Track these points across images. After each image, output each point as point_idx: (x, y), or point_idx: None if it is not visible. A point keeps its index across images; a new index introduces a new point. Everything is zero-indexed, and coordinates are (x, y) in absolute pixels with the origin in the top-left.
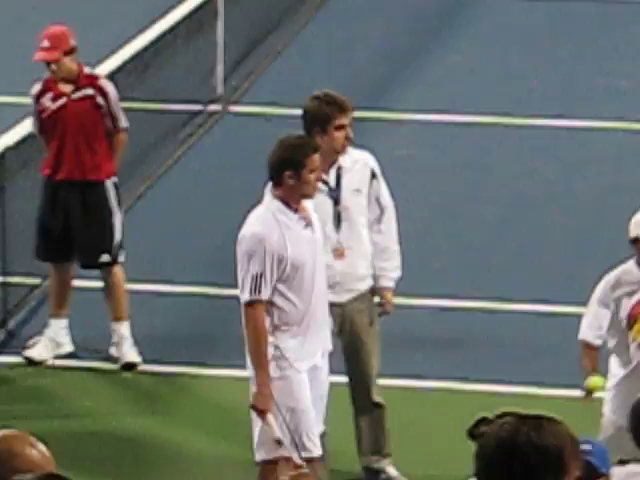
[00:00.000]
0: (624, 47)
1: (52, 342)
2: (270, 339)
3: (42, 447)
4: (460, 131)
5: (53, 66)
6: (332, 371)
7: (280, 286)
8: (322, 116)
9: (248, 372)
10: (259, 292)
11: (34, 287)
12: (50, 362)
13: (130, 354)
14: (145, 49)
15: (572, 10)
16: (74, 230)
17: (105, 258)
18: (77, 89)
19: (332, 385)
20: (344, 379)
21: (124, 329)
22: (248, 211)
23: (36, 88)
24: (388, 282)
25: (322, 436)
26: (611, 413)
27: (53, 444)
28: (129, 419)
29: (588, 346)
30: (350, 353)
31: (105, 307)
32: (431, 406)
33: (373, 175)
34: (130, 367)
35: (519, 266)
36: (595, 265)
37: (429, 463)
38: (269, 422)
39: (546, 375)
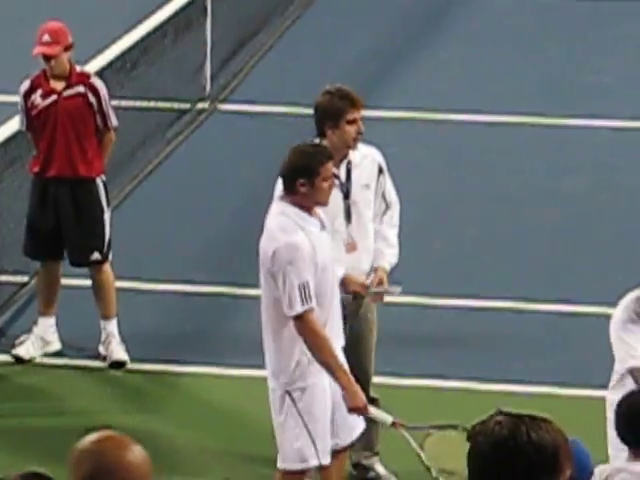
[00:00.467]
0: (611, 44)
1: (40, 340)
2: (298, 346)
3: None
4: (449, 129)
5: (52, 61)
6: None
7: None
8: (334, 110)
9: (270, 383)
10: (309, 301)
11: (22, 285)
12: (37, 360)
13: (118, 352)
14: (133, 47)
15: (560, 7)
16: (65, 228)
17: (96, 256)
18: (68, 86)
19: None
20: None
21: (112, 327)
22: (236, 209)
23: (25, 85)
24: (383, 262)
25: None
26: None
27: (41, 442)
28: (117, 417)
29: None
30: (351, 348)
31: (93, 305)
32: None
33: (380, 170)
34: (118, 365)
35: (506, 264)
36: (581, 262)
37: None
38: (374, 414)
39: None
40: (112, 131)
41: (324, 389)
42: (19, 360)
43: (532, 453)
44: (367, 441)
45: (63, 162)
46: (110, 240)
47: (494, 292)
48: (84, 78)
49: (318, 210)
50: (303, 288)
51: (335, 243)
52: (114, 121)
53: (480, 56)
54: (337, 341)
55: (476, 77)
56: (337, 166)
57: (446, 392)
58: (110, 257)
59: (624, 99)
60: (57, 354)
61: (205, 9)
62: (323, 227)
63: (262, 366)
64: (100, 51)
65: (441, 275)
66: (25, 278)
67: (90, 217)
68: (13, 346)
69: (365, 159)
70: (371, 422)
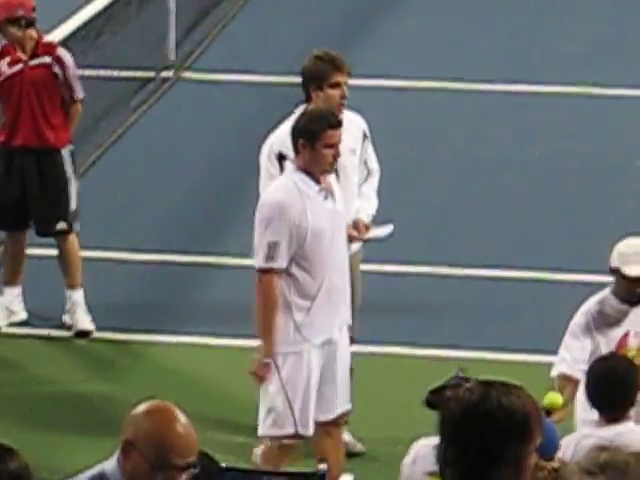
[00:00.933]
0: (576, 10)
1: (6, 310)
2: (286, 312)
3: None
4: (413, 96)
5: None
6: None
7: (298, 257)
8: (318, 74)
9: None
10: (273, 260)
11: None
12: (3, 330)
13: (83, 321)
14: (97, 16)
15: None
16: (30, 197)
17: (61, 226)
18: (34, 56)
19: None
20: None
21: (78, 296)
22: (201, 177)
23: None
24: (363, 215)
25: (345, 415)
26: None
27: (6, 411)
28: (83, 386)
29: (568, 379)
30: None
31: (58, 275)
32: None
33: (365, 136)
34: (84, 334)
35: (472, 232)
36: (544, 229)
37: (384, 428)
38: (267, 391)
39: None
40: (79, 103)
41: (309, 360)
42: None
43: (502, 418)
44: None
45: (29, 131)
46: (77, 210)
47: (461, 260)
48: (51, 49)
49: (330, 182)
50: (272, 246)
51: None
52: (80, 93)
53: (444, 24)
54: (335, 311)
55: (440, 45)
56: None
57: (417, 359)
58: (76, 227)
59: (589, 66)
60: (22, 324)
61: None
62: (327, 197)
63: (227, 335)
64: (64, 20)
65: (408, 243)
66: None
67: (55, 187)
68: None
69: (352, 124)
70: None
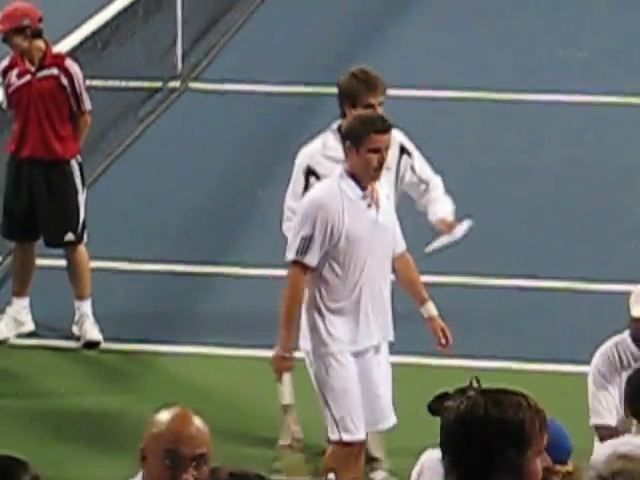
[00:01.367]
0: (584, 18)
1: (14, 321)
2: (316, 315)
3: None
4: (422, 105)
5: (7, 43)
6: None
7: (330, 258)
8: (351, 93)
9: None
10: (304, 254)
11: None
12: (11, 341)
13: (92, 332)
14: (104, 26)
15: None
16: (38, 208)
17: (70, 237)
18: (42, 68)
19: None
20: None
21: (86, 307)
22: (209, 188)
23: (4, 62)
24: (442, 214)
25: (389, 430)
26: None
27: (15, 423)
28: (92, 397)
29: (607, 429)
30: None
31: (67, 285)
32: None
33: (402, 150)
34: (92, 345)
35: (477, 240)
36: (551, 237)
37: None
38: (283, 385)
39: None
40: (87, 114)
41: (345, 363)
42: None
43: (489, 427)
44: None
45: (36, 142)
46: (85, 221)
47: (465, 267)
48: (59, 60)
49: (377, 191)
50: (305, 240)
51: None
52: (88, 105)
53: (451, 32)
54: (372, 323)
55: (447, 53)
56: None
57: (405, 368)
58: (85, 238)
59: (596, 73)
60: (30, 335)
61: None
62: (371, 205)
63: (237, 344)
64: (71, 31)
65: (413, 251)
66: None
67: (64, 198)
68: None
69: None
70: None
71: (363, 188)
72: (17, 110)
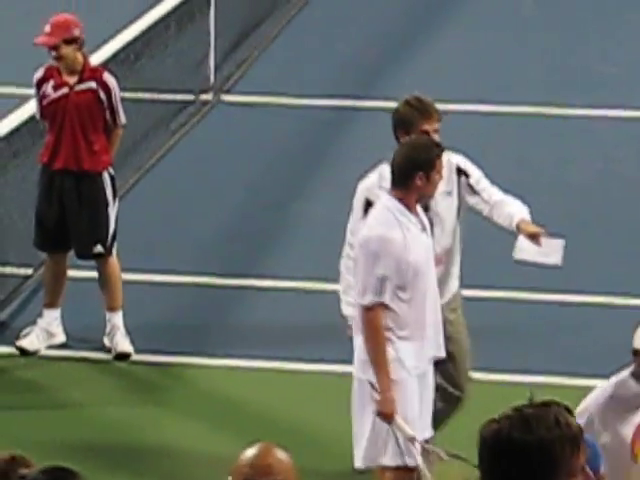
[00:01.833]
0: (615, 33)
1: (45, 332)
2: (390, 343)
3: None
4: (451, 119)
5: (54, 53)
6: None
7: (397, 289)
8: (406, 120)
9: (356, 370)
10: (383, 294)
11: (27, 277)
12: (42, 352)
13: (123, 344)
14: (137, 39)
15: None
16: (69, 219)
17: (99, 249)
18: (80, 81)
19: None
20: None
21: (117, 319)
22: (240, 201)
23: (38, 74)
24: (521, 215)
25: (427, 441)
26: None
27: (45, 434)
28: (122, 409)
29: None
30: (448, 353)
31: (98, 297)
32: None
33: (460, 171)
34: (123, 357)
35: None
36: (585, 252)
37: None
38: (399, 424)
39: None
40: (120, 128)
41: (409, 389)
42: (23, 352)
43: (517, 451)
44: None
45: (69, 155)
46: (115, 233)
47: (499, 282)
48: (97, 74)
49: (419, 210)
50: (381, 281)
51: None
52: (122, 119)
53: (482, 45)
54: (430, 350)
55: (478, 67)
56: None
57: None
58: (114, 251)
59: (627, 88)
60: (62, 346)
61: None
62: (424, 228)
63: (267, 357)
64: (104, 43)
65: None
66: (30, 270)
67: (94, 210)
68: (18, 338)
69: (446, 166)
70: None
71: (412, 212)
72: (52, 122)
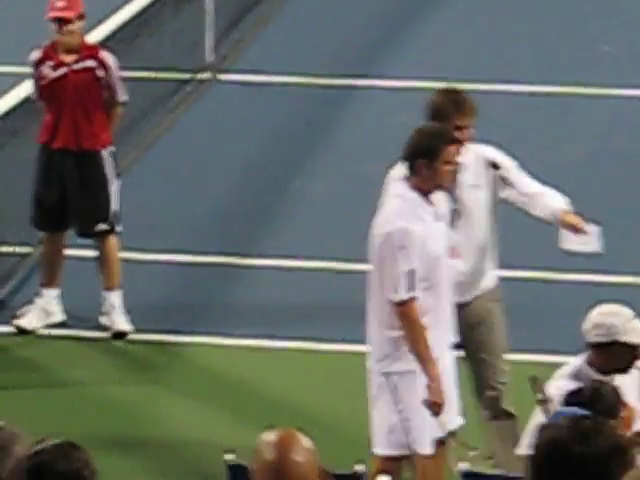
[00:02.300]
0: (609, 12)
1: (43, 311)
2: (400, 332)
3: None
4: None
5: (66, 27)
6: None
7: (419, 279)
8: (443, 113)
9: (369, 363)
10: (413, 289)
11: (25, 256)
12: (40, 331)
13: (120, 322)
14: (134, 17)
15: None
16: (70, 198)
17: (102, 227)
18: (79, 60)
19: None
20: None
21: (115, 298)
22: (238, 179)
23: (35, 55)
24: (561, 205)
25: (453, 433)
26: None
27: (44, 413)
28: (120, 387)
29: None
30: (478, 349)
31: (96, 276)
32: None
33: (489, 164)
34: (121, 336)
35: (513, 233)
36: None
37: None
38: (441, 418)
39: None
40: (120, 106)
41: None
42: (22, 331)
43: (577, 463)
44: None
45: (69, 134)
46: (117, 211)
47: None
48: (94, 52)
49: (437, 199)
50: (411, 275)
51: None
52: (122, 96)
53: (481, 25)
54: (446, 335)
55: (472, 47)
56: None
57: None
58: (119, 228)
59: (621, 67)
60: (60, 325)
61: None
62: (438, 217)
63: (265, 336)
64: (101, 22)
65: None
66: (28, 249)
67: (95, 188)
68: (16, 317)
69: (474, 159)
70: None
71: (430, 202)
72: (51, 102)
